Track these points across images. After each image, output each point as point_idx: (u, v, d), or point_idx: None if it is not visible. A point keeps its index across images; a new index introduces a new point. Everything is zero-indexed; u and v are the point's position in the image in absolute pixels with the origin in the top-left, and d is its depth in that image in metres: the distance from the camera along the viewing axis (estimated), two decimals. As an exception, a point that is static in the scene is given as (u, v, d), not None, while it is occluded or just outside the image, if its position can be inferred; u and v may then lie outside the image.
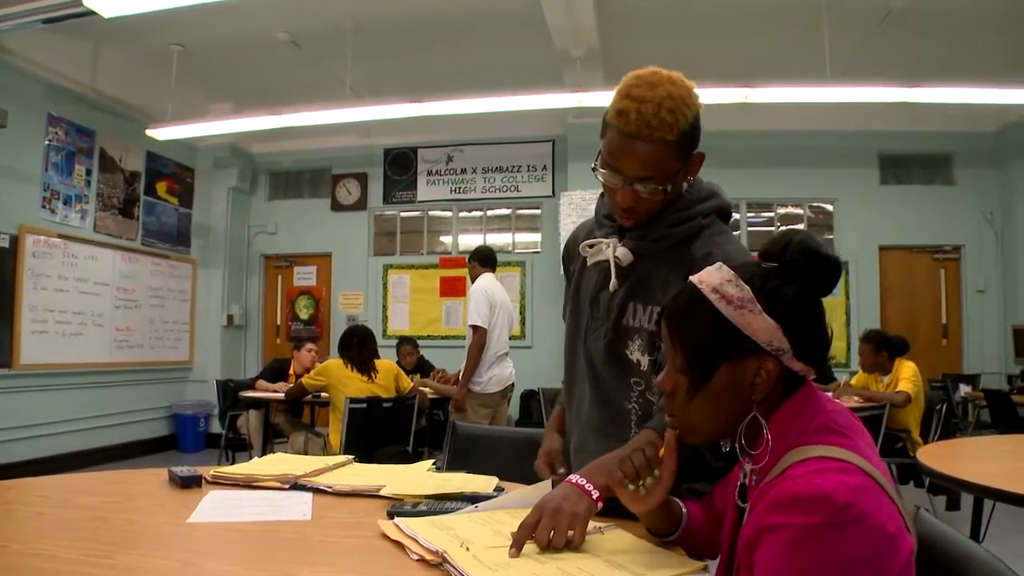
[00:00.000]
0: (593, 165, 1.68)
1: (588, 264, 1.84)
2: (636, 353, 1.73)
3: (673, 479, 1.31)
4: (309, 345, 7.53)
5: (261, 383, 6.97)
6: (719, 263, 1.24)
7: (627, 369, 1.75)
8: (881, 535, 0.98)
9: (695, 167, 1.69)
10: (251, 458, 2.68)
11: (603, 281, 1.78)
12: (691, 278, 1.25)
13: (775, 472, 1.11)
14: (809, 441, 1.10)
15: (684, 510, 1.41)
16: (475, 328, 5.58)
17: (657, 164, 1.59)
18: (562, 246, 2.06)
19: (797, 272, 1.18)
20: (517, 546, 1.28)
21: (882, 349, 5.93)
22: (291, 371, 7.30)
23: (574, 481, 1.41)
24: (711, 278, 1.21)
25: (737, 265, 1.22)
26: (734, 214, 1.90)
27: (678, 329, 1.23)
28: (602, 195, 1.85)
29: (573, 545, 1.30)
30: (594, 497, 1.38)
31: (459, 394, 5.65)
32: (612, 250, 1.75)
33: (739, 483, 1.26)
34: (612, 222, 1.80)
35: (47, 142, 7.55)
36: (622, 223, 1.74)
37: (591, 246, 1.81)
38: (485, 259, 5.86)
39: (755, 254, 1.29)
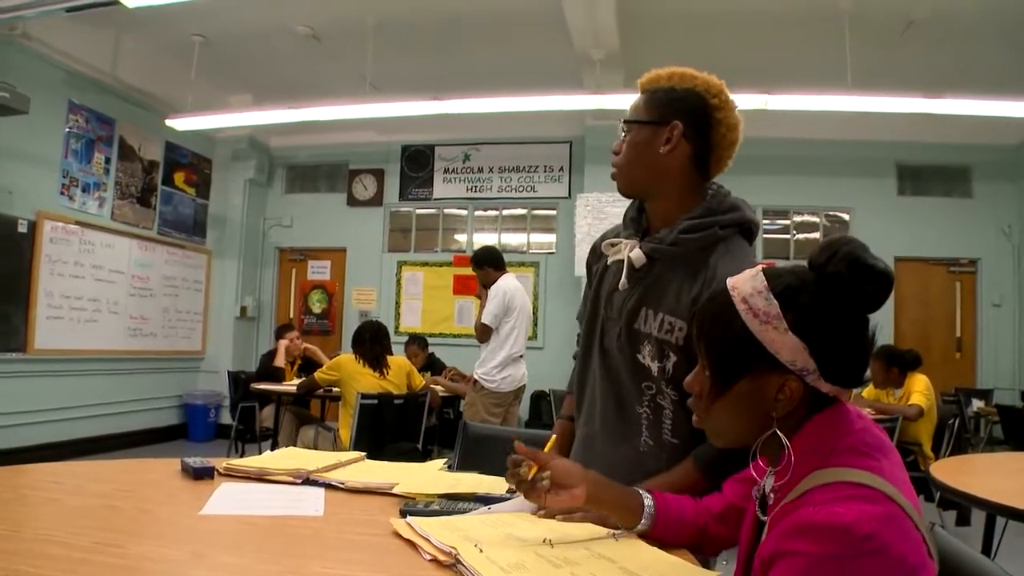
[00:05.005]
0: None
1: (609, 263, 1.86)
2: (647, 358, 1.73)
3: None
4: (292, 334, 7.46)
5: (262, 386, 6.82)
6: (758, 268, 1.21)
7: (639, 372, 1.75)
8: (902, 567, 0.95)
9: (670, 134, 1.73)
10: (260, 451, 2.66)
11: (618, 280, 1.79)
12: (728, 281, 1.22)
13: (796, 493, 1.08)
14: (835, 463, 1.07)
15: (649, 502, 1.41)
16: (484, 325, 5.61)
17: (634, 109, 1.80)
18: (577, 248, 2.10)
19: (838, 285, 1.12)
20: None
21: (892, 366, 5.87)
22: (275, 362, 7.21)
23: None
24: (744, 286, 1.18)
25: (774, 274, 1.18)
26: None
27: (706, 333, 1.22)
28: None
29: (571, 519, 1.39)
30: None
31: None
32: (628, 250, 1.76)
33: (758, 496, 1.24)
34: (637, 225, 1.83)
35: (67, 129, 7.59)
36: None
37: (612, 246, 1.84)
38: (498, 262, 5.82)
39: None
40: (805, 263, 1.20)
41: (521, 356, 5.78)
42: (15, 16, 5.83)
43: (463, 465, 2.60)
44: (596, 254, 1.99)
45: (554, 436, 1.61)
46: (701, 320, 1.24)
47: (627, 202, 1.89)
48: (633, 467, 1.70)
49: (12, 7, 5.63)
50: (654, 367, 1.72)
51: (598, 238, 2.02)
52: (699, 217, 1.71)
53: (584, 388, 1.92)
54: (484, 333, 5.64)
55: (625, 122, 1.79)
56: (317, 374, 5.73)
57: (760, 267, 1.21)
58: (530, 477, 1.31)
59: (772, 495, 1.18)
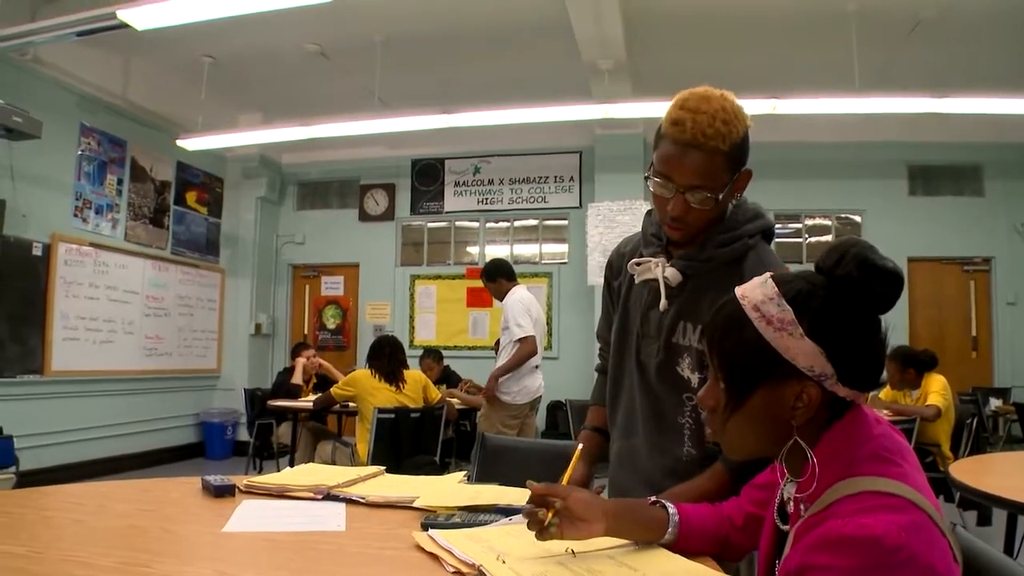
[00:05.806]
0: (646, 174, 1.71)
1: (636, 281, 1.84)
2: (686, 371, 1.75)
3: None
4: (308, 352, 7.49)
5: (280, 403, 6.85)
6: (766, 275, 1.19)
7: (679, 385, 1.76)
8: (931, 575, 0.95)
9: (742, 183, 1.70)
10: (278, 468, 2.67)
11: (652, 300, 1.79)
12: (736, 290, 1.21)
13: (821, 503, 1.07)
14: (859, 471, 1.06)
15: (673, 511, 1.40)
16: (522, 340, 5.53)
17: (709, 173, 1.61)
18: (589, 257, 2.06)
19: (849, 287, 1.11)
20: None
21: (908, 367, 5.83)
22: (293, 380, 7.22)
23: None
24: (754, 294, 1.17)
25: (783, 279, 1.16)
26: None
27: (718, 345, 1.20)
28: (649, 213, 1.88)
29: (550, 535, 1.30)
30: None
31: (488, 390, 5.63)
32: (661, 270, 1.75)
33: (778, 504, 1.23)
34: (659, 241, 1.81)
35: (80, 152, 7.65)
36: (669, 234, 1.74)
37: (639, 264, 1.81)
38: (511, 273, 5.81)
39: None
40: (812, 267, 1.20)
41: (537, 367, 5.76)
42: (26, 42, 5.88)
43: (482, 477, 2.60)
44: (614, 269, 1.99)
45: (580, 446, 1.62)
46: (712, 332, 1.22)
47: (638, 210, 1.89)
48: (675, 476, 1.72)
49: (23, 33, 5.68)
50: (694, 379, 1.73)
51: (613, 252, 2.02)
52: (730, 230, 1.72)
53: (618, 402, 1.93)
54: (528, 345, 5.53)
55: (714, 196, 1.64)
56: (333, 389, 5.73)
57: (768, 274, 1.20)
58: (547, 522, 1.29)
59: (792, 504, 1.18)
